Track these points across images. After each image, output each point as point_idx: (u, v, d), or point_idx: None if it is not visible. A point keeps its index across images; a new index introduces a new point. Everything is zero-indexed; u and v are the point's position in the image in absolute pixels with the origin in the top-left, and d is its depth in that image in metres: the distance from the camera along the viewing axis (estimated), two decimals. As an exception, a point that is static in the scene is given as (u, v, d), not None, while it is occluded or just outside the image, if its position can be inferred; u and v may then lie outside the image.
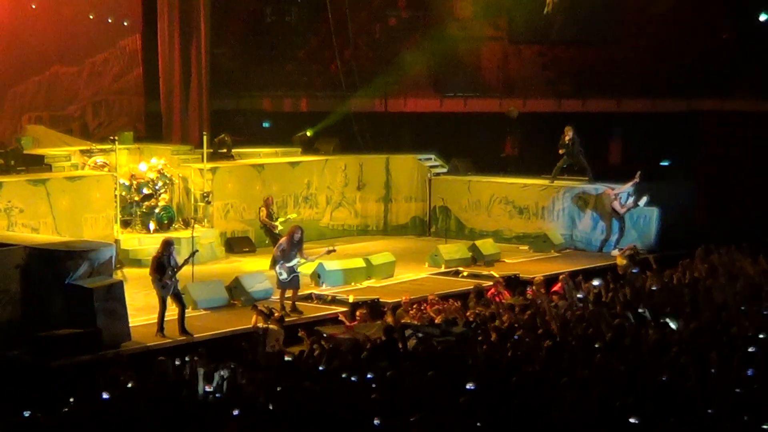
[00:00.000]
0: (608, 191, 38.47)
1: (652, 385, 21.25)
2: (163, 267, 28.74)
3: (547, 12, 41.57)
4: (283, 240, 31.52)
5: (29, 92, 41.31)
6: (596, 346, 24.47)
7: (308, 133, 42.78)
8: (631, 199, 38.16)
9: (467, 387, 21.16)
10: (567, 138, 39.92)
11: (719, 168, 42.34)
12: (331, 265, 34.85)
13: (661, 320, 26.38)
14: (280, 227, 35.72)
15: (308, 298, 32.53)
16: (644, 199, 38.01)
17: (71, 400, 21.91)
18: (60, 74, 42.41)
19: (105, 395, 21.95)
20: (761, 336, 24.59)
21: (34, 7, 41.15)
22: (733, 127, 43.63)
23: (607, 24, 47.25)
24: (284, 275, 30.89)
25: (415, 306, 29.94)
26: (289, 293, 31.19)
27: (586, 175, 40.09)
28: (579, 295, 30.50)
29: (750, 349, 23.52)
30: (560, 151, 40.01)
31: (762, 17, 46.93)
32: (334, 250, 33.85)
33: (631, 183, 38.24)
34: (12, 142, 37.90)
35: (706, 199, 40.24)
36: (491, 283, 33.41)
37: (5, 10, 40.23)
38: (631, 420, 19.10)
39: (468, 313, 28.84)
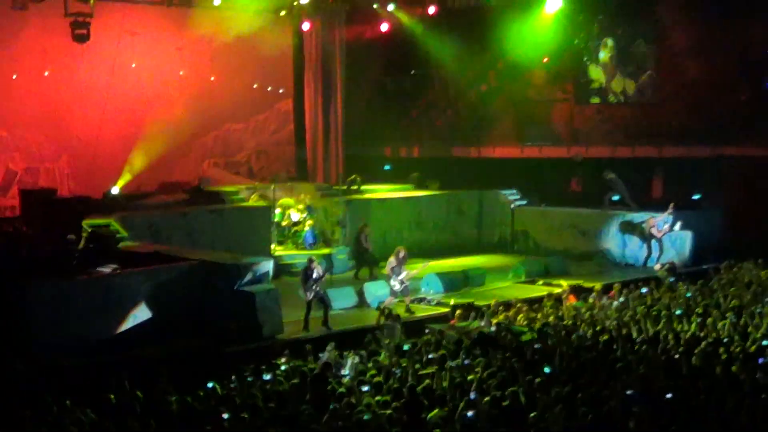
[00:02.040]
0: (650, 219, 38.29)
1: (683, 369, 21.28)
2: (307, 277, 29.01)
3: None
4: (392, 259, 31.49)
5: (209, 143, 41.83)
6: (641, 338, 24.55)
7: (417, 175, 42.76)
8: (666, 226, 37.96)
9: (545, 370, 21.28)
10: (609, 177, 40.16)
11: (739, 200, 41.97)
12: (436, 276, 34.94)
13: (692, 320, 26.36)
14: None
15: (420, 300, 32.58)
16: (678, 225, 37.89)
17: (235, 377, 22.05)
18: (231, 130, 42.93)
19: (265, 376, 22.15)
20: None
21: (212, 79, 41.46)
22: (749, 168, 43.23)
23: (650, 89, 46.95)
24: (397, 286, 31.13)
25: (501, 307, 29.90)
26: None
27: (631, 206, 39.93)
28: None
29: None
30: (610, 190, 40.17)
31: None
32: (426, 265, 33.81)
33: (667, 213, 38.08)
34: (195, 182, 38.16)
35: (729, 225, 39.91)
36: (561, 290, 33.44)
37: (193, 82, 40.74)
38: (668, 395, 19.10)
39: (542, 314, 28.83)
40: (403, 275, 31.24)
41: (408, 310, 30.58)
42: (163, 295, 27.37)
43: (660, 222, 38.03)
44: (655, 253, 37.94)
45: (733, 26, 43.76)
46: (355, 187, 40.47)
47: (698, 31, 43.12)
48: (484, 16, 44.27)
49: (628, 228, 39.58)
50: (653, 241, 38.19)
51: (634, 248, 39.36)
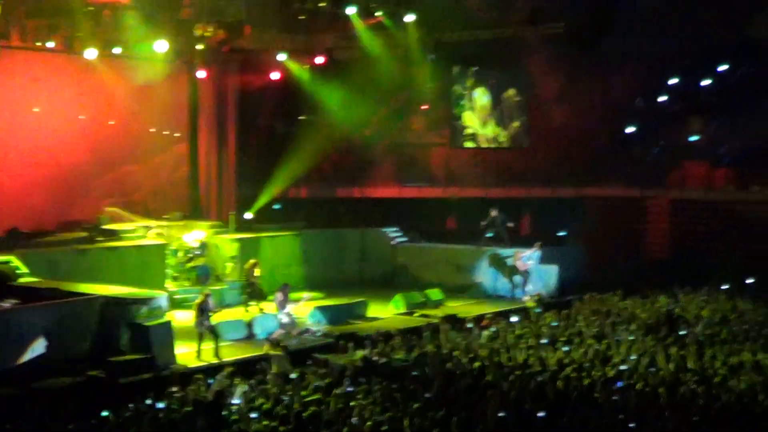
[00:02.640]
0: (517, 253, 38.61)
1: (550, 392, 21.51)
2: (202, 311, 29.01)
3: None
4: (278, 293, 31.77)
5: (107, 184, 41.49)
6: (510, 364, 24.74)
7: (301, 223, 42.98)
8: (531, 262, 38.32)
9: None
10: (492, 215, 40.31)
11: (598, 236, 42.57)
12: (320, 309, 35.05)
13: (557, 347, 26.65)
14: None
15: (305, 332, 32.57)
16: (535, 259, 38.30)
17: (131, 406, 22.01)
18: (129, 171, 42.64)
19: (159, 405, 22.07)
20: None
21: (112, 123, 41.33)
22: (607, 207, 43.93)
23: (520, 135, 47.51)
24: (285, 318, 31.34)
25: (381, 337, 30.04)
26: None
27: (504, 242, 40.19)
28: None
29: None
30: (483, 225, 40.35)
31: (628, 129, 47.31)
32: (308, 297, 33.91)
33: (533, 249, 38.42)
34: (94, 220, 37.98)
35: (590, 259, 40.37)
36: (438, 320, 33.61)
37: (91, 126, 40.60)
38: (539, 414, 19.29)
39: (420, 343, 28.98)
40: (288, 308, 31.36)
41: (296, 341, 30.44)
42: (62, 328, 27.18)
43: (525, 256, 38.33)
44: (523, 287, 38.17)
45: (595, 79, 44.51)
46: (246, 226, 40.55)
47: (563, 82, 43.71)
48: (367, 66, 44.49)
49: (496, 262, 39.89)
50: (517, 275, 38.48)
51: (504, 281, 39.66)
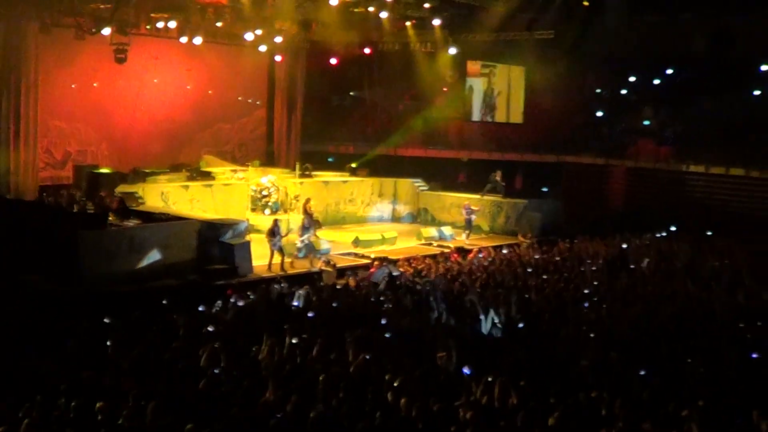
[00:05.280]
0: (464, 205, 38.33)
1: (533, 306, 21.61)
2: (273, 233, 29.28)
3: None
4: (304, 219, 32.04)
5: (205, 137, 41.72)
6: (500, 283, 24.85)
7: (353, 165, 42.76)
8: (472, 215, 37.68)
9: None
10: (496, 176, 40.24)
11: (573, 193, 42.53)
12: (363, 236, 35.22)
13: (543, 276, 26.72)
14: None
15: (349, 254, 32.77)
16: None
17: (219, 302, 22.25)
18: (222, 128, 42.82)
19: (240, 302, 22.33)
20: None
21: (210, 92, 41.51)
22: (582, 171, 43.90)
23: (515, 113, 47.57)
24: (299, 244, 31.48)
25: (406, 261, 30.22)
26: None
27: (500, 194, 40.09)
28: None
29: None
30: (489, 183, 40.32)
31: (598, 113, 47.32)
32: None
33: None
34: (195, 164, 38.25)
35: (567, 210, 40.30)
36: (449, 249, 33.74)
37: (197, 93, 40.92)
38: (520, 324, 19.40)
39: (438, 266, 29.08)
40: (306, 236, 31.31)
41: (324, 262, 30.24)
42: (170, 243, 27.64)
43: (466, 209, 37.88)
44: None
45: (574, 74, 44.45)
46: (307, 173, 40.52)
47: (550, 75, 43.49)
48: (403, 57, 44.41)
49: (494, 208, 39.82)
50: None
51: (501, 222, 39.57)
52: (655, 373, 15.71)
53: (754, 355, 17.34)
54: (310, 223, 32.59)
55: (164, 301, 22.21)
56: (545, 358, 16.70)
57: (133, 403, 13.18)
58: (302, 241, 31.17)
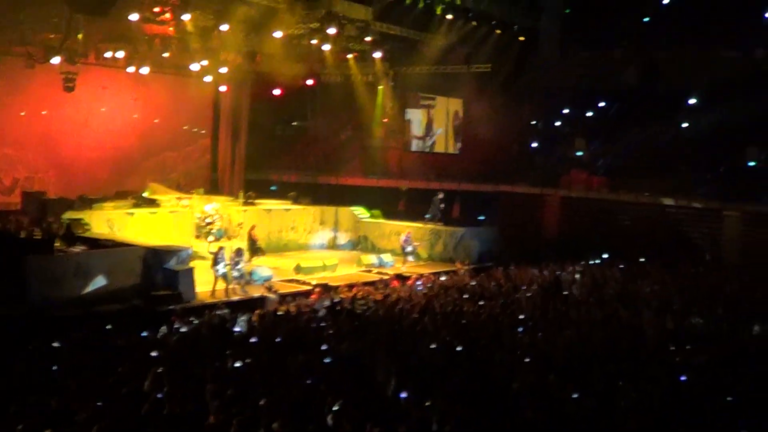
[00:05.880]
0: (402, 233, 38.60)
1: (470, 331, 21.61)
2: (217, 260, 29.09)
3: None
4: (233, 254, 31.05)
5: (151, 165, 41.62)
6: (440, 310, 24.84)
7: (293, 194, 42.78)
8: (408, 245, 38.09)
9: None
10: (439, 197, 40.58)
11: (508, 222, 42.73)
12: (304, 263, 35.10)
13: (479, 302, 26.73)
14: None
15: (291, 281, 32.62)
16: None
17: (163, 328, 22.15)
18: (167, 157, 42.76)
19: (183, 328, 22.20)
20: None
21: (156, 121, 41.39)
22: (516, 200, 44.11)
23: (455, 145, 47.78)
24: (235, 273, 30.66)
25: (346, 288, 30.14)
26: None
27: (440, 221, 40.23)
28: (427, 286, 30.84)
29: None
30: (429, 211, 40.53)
31: (533, 144, 47.61)
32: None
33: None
34: (141, 191, 38.11)
35: (502, 238, 40.49)
36: (388, 276, 33.71)
37: (142, 122, 40.92)
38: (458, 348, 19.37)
39: (377, 292, 29.04)
40: (240, 263, 30.86)
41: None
42: (115, 269, 27.41)
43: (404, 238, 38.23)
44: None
45: (510, 106, 44.76)
46: (250, 201, 40.42)
47: (487, 107, 43.78)
48: (346, 88, 44.57)
49: (431, 237, 39.91)
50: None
51: (440, 249, 39.68)
52: (588, 396, 15.74)
53: (683, 378, 17.44)
54: (254, 250, 32.25)
55: (109, 326, 22.03)
56: (482, 382, 16.69)
57: (79, 427, 13.05)
58: (235, 268, 30.85)
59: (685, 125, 43.38)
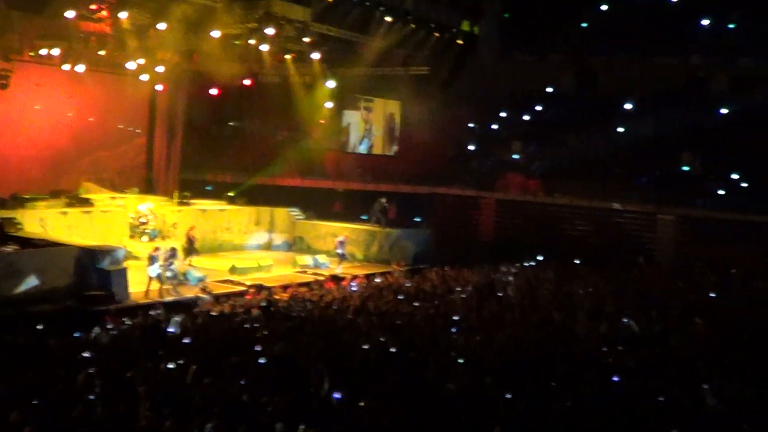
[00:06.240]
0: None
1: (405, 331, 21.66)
2: (151, 260, 28.87)
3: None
4: (167, 253, 30.63)
5: (85, 164, 41.15)
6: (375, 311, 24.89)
7: (231, 194, 42.58)
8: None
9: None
10: (383, 202, 40.68)
11: (444, 223, 42.93)
12: (239, 263, 34.97)
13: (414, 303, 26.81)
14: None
15: (226, 281, 32.47)
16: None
17: (96, 329, 21.98)
18: (102, 156, 42.28)
19: (116, 329, 22.07)
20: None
21: (91, 120, 41.02)
22: (452, 202, 44.36)
23: (390, 145, 47.84)
24: (169, 273, 30.33)
25: (281, 288, 30.10)
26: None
27: (380, 224, 40.26)
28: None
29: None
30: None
31: (470, 147, 47.84)
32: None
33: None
34: (75, 190, 37.73)
35: (437, 239, 40.60)
36: (323, 277, 33.66)
37: (76, 121, 40.42)
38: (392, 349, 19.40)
39: (311, 293, 29.03)
40: (173, 263, 30.60)
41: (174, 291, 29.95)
42: (48, 269, 27.12)
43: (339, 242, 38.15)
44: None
45: (447, 109, 44.83)
46: (185, 201, 40.19)
47: (425, 109, 43.90)
48: (284, 89, 44.42)
49: (370, 238, 39.95)
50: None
51: (375, 250, 39.70)
52: (521, 398, 15.85)
53: (616, 379, 17.64)
54: (190, 250, 32.01)
55: (41, 327, 21.82)
56: (416, 383, 16.75)
57: (11, 428, 12.94)
58: (169, 269, 30.58)
59: (621, 130, 43.86)
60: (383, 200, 41.20)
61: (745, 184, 40.96)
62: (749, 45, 44.06)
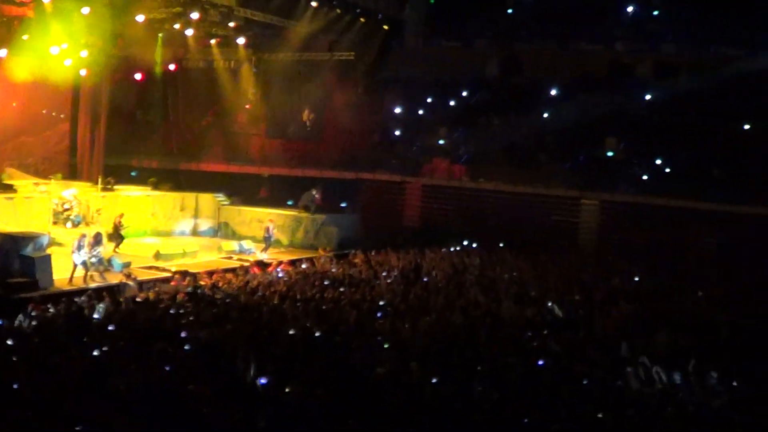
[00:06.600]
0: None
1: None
2: (79, 247, 28.58)
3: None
4: (91, 239, 29.65)
5: (7, 150, 40.48)
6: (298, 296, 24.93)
7: (153, 180, 42.28)
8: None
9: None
10: (314, 193, 40.54)
11: (369, 208, 42.95)
12: (164, 249, 34.76)
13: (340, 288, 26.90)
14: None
15: (150, 268, 32.25)
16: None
17: (20, 316, 21.74)
18: (25, 141, 41.64)
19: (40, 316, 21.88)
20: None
21: (14, 105, 40.43)
22: (377, 187, 44.47)
23: (314, 131, 47.69)
24: (94, 260, 29.43)
25: (206, 275, 29.98)
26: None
27: (309, 210, 40.09)
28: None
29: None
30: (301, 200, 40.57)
31: (396, 132, 47.99)
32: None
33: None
34: (-4, 177, 37.35)
35: (362, 224, 40.64)
36: (249, 263, 33.58)
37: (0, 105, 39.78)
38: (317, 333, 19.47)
39: (237, 279, 28.96)
40: (96, 250, 29.75)
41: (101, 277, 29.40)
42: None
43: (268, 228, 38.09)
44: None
45: (373, 94, 44.95)
46: (109, 187, 39.81)
47: (350, 95, 44.01)
48: (209, 74, 44.31)
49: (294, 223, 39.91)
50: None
51: (301, 236, 39.64)
52: (446, 382, 16.00)
53: (540, 362, 17.88)
54: (112, 237, 31.73)
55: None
56: (342, 367, 16.83)
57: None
58: (93, 255, 30.21)
59: (545, 116, 44.27)
60: (314, 191, 40.98)
61: (668, 170, 41.58)
62: (673, 31, 44.73)
